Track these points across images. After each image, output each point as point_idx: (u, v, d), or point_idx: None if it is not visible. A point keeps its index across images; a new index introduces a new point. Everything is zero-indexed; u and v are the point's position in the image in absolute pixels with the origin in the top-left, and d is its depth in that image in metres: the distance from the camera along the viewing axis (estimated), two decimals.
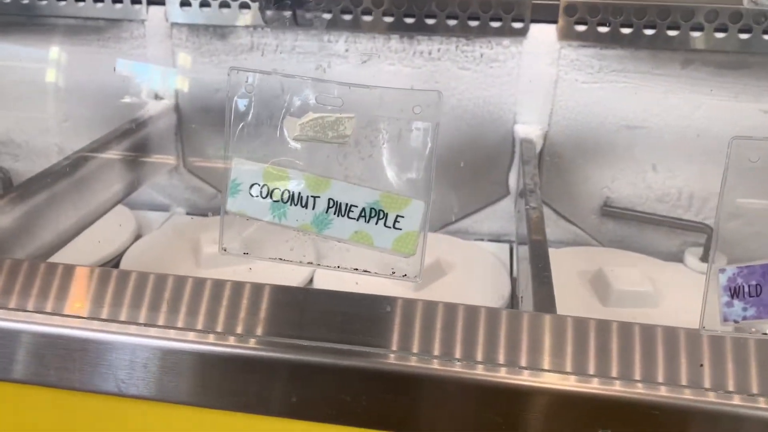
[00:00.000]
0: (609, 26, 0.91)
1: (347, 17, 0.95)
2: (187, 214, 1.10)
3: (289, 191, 0.43)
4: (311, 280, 0.87)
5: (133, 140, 0.95)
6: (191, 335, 0.51)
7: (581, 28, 0.92)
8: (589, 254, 0.98)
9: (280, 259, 0.43)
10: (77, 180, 0.83)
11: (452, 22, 0.94)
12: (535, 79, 0.94)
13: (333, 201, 0.43)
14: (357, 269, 0.43)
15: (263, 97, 0.42)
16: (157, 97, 1.02)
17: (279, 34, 0.98)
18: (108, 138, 0.90)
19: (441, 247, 0.94)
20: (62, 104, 1.04)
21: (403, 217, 0.42)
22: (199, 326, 0.52)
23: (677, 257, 0.98)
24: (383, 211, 0.42)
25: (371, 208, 0.42)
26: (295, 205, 0.43)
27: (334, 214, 0.43)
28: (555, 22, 0.92)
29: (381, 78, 0.98)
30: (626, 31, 0.91)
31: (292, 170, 0.43)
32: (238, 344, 0.50)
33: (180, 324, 0.52)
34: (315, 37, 0.98)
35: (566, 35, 0.92)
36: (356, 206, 0.42)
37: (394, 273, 0.42)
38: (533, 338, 0.45)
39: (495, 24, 0.93)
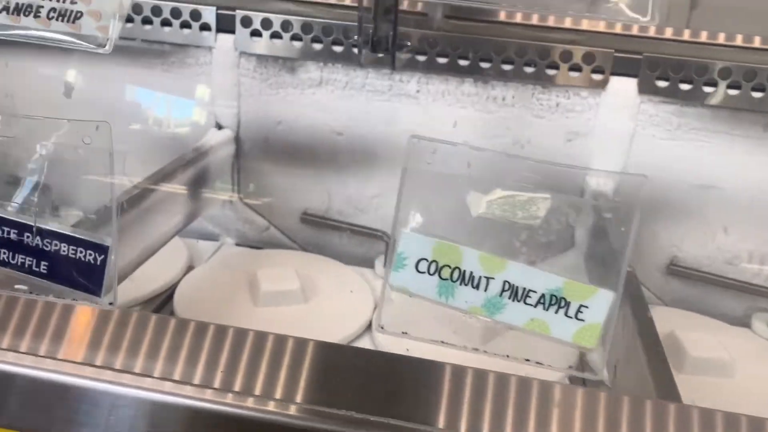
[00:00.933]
0: (692, 84, 0.89)
1: (421, 58, 0.93)
2: (237, 245, 1.07)
3: (460, 269, 0.40)
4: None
5: (195, 170, 0.92)
6: (229, 397, 0.49)
7: (662, 83, 0.90)
8: (655, 315, 0.95)
9: (442, 342, 0.40)
10: (143, 211, 0.80)
11: (529, 69, 0.92)
12: (611, 132, 0.92)
13: (509, 284, 0.40)
14: (529, 360, 0.40)
15: (444, 168, 0.39)
16: (218, 126, 1.00)
17: (350, 71, 0.96)
18: (173, 167, 0.87)
19: None
20: (119, 127, 1.01)
21: (587, 307, 0.39)
22: (237, 387, 0.49)
23: (742, 322, 0.95)
24: (565, 299, 0.39)
25: (552, 295, 0.39)
26: (466, 285, 0.40)
27: (509, 298, 0.39)
28: (636, 75, 0.90)
29: (449, 121, 0.96)
30: (709, 89, 0.89)
31: (466, 247, 0.40)
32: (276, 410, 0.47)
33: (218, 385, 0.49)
34: (386, 75, 0.96)
35: (647, 90, 0.90)
36: (535, 291, 0.39)
37: (571, 368, 0.39)
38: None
39: (574, 74, 0.91)
